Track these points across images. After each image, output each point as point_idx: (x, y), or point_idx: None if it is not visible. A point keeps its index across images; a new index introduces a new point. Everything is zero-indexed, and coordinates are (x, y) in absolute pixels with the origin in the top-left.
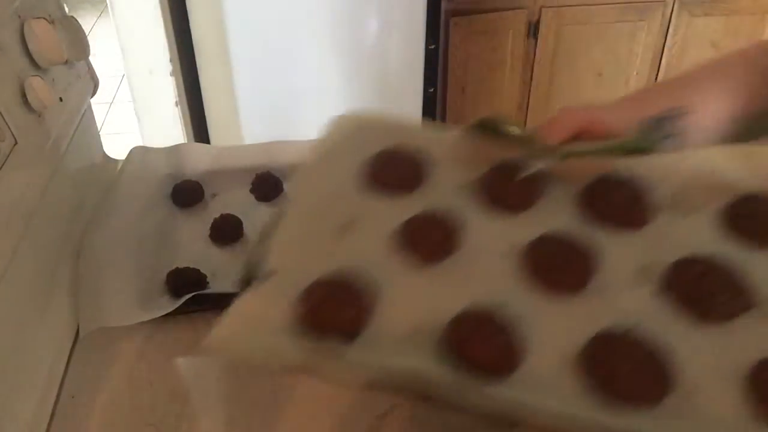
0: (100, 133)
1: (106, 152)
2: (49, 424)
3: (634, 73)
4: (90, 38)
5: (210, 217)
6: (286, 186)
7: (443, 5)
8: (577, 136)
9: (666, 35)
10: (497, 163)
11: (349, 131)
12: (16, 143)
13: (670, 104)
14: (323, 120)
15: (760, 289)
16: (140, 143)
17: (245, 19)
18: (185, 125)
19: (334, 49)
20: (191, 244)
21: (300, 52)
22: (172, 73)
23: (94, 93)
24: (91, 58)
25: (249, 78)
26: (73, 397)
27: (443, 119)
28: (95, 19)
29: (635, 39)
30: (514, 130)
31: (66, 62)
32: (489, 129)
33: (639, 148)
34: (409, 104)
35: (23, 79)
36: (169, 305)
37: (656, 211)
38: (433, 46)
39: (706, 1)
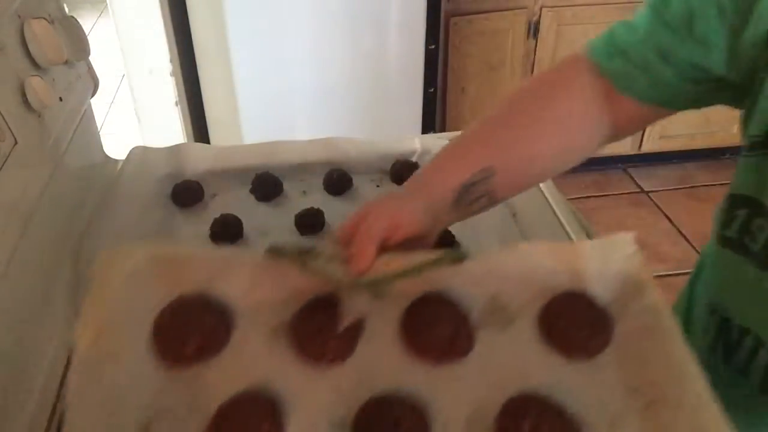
0: (100, 133)
1: (106, 152)
2: (49, 424)
3: None
4: (90, 38)
5: (210, 217)
6: (286, 186)
7: (443, 5)
8: (381, 249)
9: None
10: (307, 305)
11: (119, 280)
12: (16, 143)
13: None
14: (323, 120)
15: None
16: (140, 143)
17: (245, 18)
18: (185, 125)
19: (334, 49)
20: (191, 243)
21: (300, 52)
22: (172, 73)
23: (94, 93)
24: (91, 58)
25: (249, 78)
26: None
27: (443, 119)
28: (95, 19)
29: None
30: (315, 257)
31: (66, 62)
32: (285, 255)
33: (451, 260)
34: (409, 104)
35: (23, 79)
36: None
37: (477, 329)
38: (433, 46)
39: None
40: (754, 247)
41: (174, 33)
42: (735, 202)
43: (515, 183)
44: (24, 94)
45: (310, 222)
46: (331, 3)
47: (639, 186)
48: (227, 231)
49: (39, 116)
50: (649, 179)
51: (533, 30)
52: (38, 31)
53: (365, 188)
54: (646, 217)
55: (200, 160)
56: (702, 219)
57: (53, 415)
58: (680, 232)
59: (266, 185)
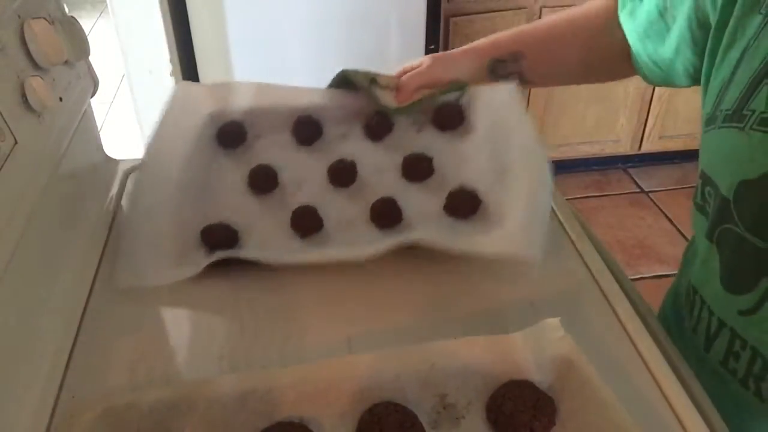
0: (100, 133)
1: (106, 152)
2: (50, 424)
3: None
4: (90, 38)
5: (252, 160)
6: (326, 129)
7: (443, 5)
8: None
9: None
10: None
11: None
12: (16, 143)
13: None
14: None
15: None
16: (140, 143)
17: (245, 19)
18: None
19: (334, 49)
20: (230, 193)
21: (300, 52)
22: (172, 73)
23: (94, 93)
24: (91, 58)
25: (249, 78)
26: (73, 397)
27: None
28: (95, 19)
29: None
30: (374, 85)
31: (66, 62)
32: (356, 78)
33: (451, 89)
34: None
35: (23, 79)
36: (202, 262)
37: (431, 430)
38: (432, 47)
39: None
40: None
41: (174, 33)
42: (700, 174)
43: (542, 71)
44: (24, 94)
45: (342, 174)
46: (331, 3)
47: (639, 186)
48: (263, 182)
49: (39, 116)
50: (649, 179)
51: None
52: (38, 31)
53: (405, 133)
54: (646, 217)
55: (244, 98)
56: None
57: (53, 416)
58: (680, 232)
59: (307, 129)
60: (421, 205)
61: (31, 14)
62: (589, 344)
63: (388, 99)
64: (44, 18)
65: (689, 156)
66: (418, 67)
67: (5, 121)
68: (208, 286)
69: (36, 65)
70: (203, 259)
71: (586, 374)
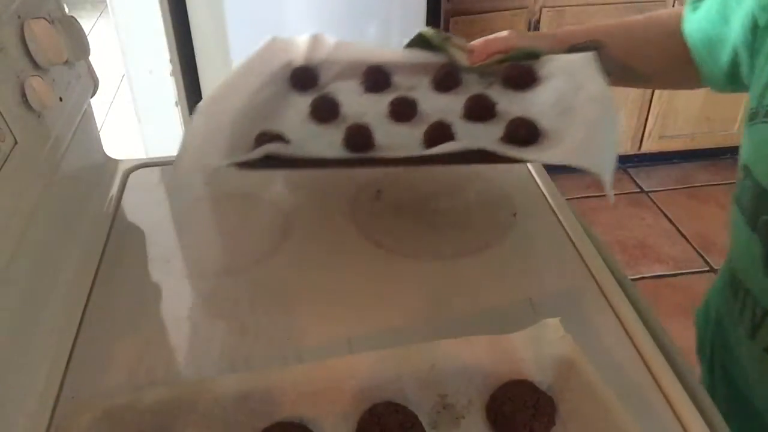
0: (100, 133)
1: (106, 152)
2: (50, 424)
3: None
4: (90, 38)
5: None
6: (395, 80)
7: (443, 5)
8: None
9: None
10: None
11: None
12: (16, 143)
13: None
14: None
15: None
16: (140, 143)
17: (245, 19)
18: (185, 125)
19: None
20: (291, 119)
21: None
22: (172, 73)
23: (94, 93)
24: (91, 58)
25: None
26: (73, 397)
27: None
28: (95, 19)
29: None
30: (440, 45)
31: (66, 62)
32: (427, 42)
33: (527, 55)
34: None
35: (23, 79)
36: (253, 154)
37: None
38: None
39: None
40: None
41: (174, 33)
42: (740, 167)
43: (619, 63)
44: (24, 94)
45: (402, 108)
46: (332, 3)
47: (639, 186)
48: (324, 110)
49: (39, 116)
50: (649, 179)
51: (533, 30)
52: (38, 31)
53: (474, 87)
54: (646, 217)
55: (323, 50)
56: (702, 219)
57: (53, 416)
58: (680, 232)
59: (376, 78)
60: (479, 142)
61: (31, 14)
62: (589, 344)
63: (461, 58)
64: (44, 18)
65: (689, 156)
66: (492, 36)
67: (5, 121)
68: (209, 284)
69: (36, 65)
70: (254, 152)
71: (586, 374)
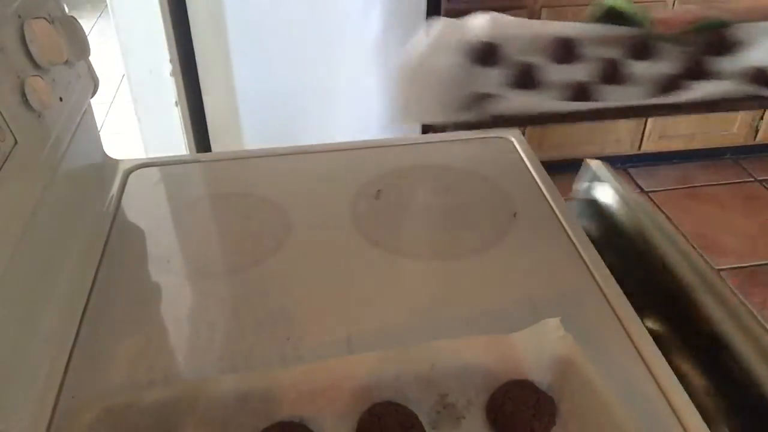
0: (100, 133)
1: (106, 152)
2: (50, 424)
3: None
4: (90, 38)
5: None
6: (583, 51)
7: (443, 5)
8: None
9: None
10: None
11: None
12: (16, 143)
13: None
14: (323, 120)
15: None
16: (140, 143)
17: (245, 19)
18: (185, 125)
19: (334, 49)
20: (489, 87)
21: (300, 52)
22: (172, 73)
23: (94, 93)
24: (91, 58)
25: (249, 78)
26: (73, 397)
27: None
28: (95, 19)
29: None
30: (635, 16)
31: (66, 62)
32: (612, 17)
33: (718, 23)
34: None
35: (23, 79)
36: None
37: (431, 430)
38: None
39: (705, 1)
40: None
41: (174, 33)
42: None
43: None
44: (24, 94)
45: (613, 72)
46: (331, 3)
47: (639, 186)
48: (526, 78)
49: (39, 116)
50: (649, 179)
51: None
52: (38, 31)
53: (669, 56)
54: None
55: (501, 27)
56: (702, 219)
57: (53, 416)
58: (680, 232)
59: (563, 49)
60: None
61: (31, 14)
62: (589, 344)
63: (650, 28)
64: (44, 18)
65: (689, 156)
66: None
67: (5, 121)
68: (209, 284)
69: (36, 65)
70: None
71: (586, 374)
